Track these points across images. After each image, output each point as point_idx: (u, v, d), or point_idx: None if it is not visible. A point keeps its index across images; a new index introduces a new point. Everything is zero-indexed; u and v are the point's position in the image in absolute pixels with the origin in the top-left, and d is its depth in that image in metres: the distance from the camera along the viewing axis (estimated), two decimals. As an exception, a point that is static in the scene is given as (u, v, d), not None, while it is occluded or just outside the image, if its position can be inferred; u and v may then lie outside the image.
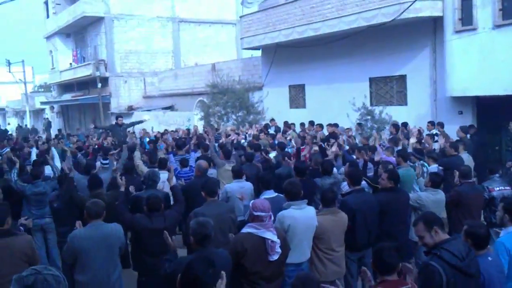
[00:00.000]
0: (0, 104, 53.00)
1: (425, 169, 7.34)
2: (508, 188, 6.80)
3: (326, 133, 12.63)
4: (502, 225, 4.40)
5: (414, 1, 12.50)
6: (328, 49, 16.15)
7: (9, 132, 28.53)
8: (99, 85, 27.81)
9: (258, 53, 20.89)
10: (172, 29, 31.03)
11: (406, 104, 14.51)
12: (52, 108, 38.65)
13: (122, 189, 5.94)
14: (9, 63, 39.22)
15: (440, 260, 3.46)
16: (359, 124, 13.39)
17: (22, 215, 6.64)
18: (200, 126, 19.11)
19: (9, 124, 43.68)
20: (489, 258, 3.87)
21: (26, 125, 40.04)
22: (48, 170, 8.17)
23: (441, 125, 11.42)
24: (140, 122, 15.30)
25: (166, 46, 31.01)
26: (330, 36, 15.45)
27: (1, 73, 48.66)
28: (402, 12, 12.76)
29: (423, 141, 9.87)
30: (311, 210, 5.08)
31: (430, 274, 3.41)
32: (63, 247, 4.98)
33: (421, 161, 7.74)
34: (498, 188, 6.70)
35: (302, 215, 4.92)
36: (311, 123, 14.18)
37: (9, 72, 39.25)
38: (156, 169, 7.55)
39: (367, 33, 14.29)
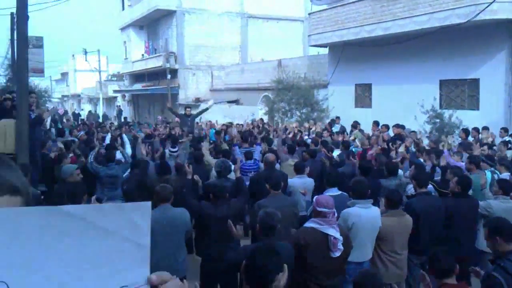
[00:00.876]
0: (76, 90, 55.88)
1: (496, 176, 7.08)
2: None
3: (392, 134, 12.42)
4: None
5: (491, 3, 12.01)
6: (397, 49, 15.83)
7: (81, 117, 30.20)
8: (169, 76, 28.66)
9: (325, 50, 20.78)
10: (240, 24, 31.46)
11: (478, 109, 13.98)
12: (123, 96, 40.29)
13: (189, 177, 6.16)
14: (85, 52, 41.28)
15: (503, 272, 3.39)
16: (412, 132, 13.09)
17: (95, 196, 7.06)
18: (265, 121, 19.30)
19: (82, 110, 45.97)
20: None
21: (95, 111, 42.07)
22: (118, 155, 8.60)
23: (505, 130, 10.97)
24: (206, 109, 15.64)
25: (234, 41, 31.49)
26: (400, 36, 15.13)
27: (79, 62, 51.34)
28: (478, 14, 12.29)
29: (494, 147, 9.51)
30: (376, 211, 5.06)
31: (492, 285, 3.36)
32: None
33: (492, 168, 7.48)
34: None
35: (367, 215, 4.92)
36: (376, 123, 13.99)
37: (86, 60, 41.32)
38: (227, 160, 7.78)
39: (439, 34, 13.88)
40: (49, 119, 13.62)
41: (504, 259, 3.51)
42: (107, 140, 10.04)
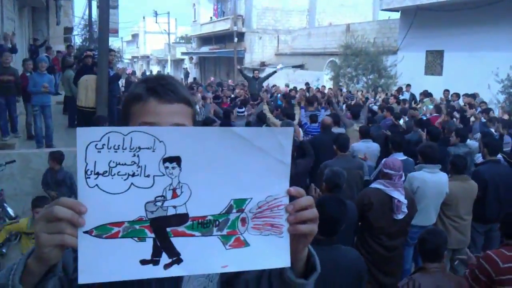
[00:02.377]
0: (146, 52, 57.45)
1: None
2: None
3: (462, 104, 12.02)
4: None
5: None
6: (473, 14, 15.05)
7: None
8: (235, 39, 28.84)
9: (396, 15, 20.12)
10: (309, -13, 30.92)
11: (559, 79, 13.21)
12: (191, 59, 41.07)
13: None
14: (156, 14, 42.19)
15: None
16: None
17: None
18: (329, 86, 19.15)
19: (151, 71, 47.37)
20: None
21: (163, 72, 43.17)
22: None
23: None
24: (274, 72, 15.81)
25: (302, 4, 31.04)
26: (476, 1, 14.36)
27: (149, 24, 52.54)
28: None
29: None
30: (443, 176, 5.01)
31: None
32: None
33: None
34: None
35: (433, 180, 4.91)
36: (447, 91, 13.55)
37: (156, 22, 42.26)
38: (290, 121, 7.92)
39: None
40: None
41: None
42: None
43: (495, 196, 5.27)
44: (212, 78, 24.46)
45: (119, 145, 0.92)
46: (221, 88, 17.84)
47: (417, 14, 17.77)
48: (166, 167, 0.95)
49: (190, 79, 29.88)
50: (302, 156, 6.00)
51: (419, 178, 4.90)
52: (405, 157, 5.88)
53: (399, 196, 4.30)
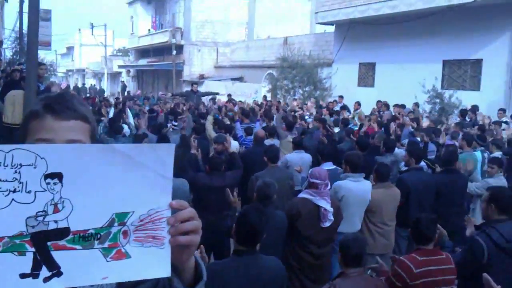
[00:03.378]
0: (81, 65, 55.91)
1: (485, 155, 7.27)
2: None
3: (393, 114, 12.56)
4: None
5: (498, -17, 12.00)
6: (403, 28, 15.82)
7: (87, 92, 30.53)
8: (174, 52, 28.69)
9: (331, 28, 20.75)
10: (248, 1, 31.29)
11: (479, 90, 14.05)
12: (128, 72, 40.39)
13: (193, 151, 6.36)
14: (92, 27, 41.26)
15: (486, 237, 3.61)
16: (415, 104, 13.29)
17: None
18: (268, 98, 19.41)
19: (84, 84, 46.26)
20: None
21: (99, 86, 42.32)
22: (125, 128, 8.83)
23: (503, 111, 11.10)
24: (216, 93, 16.08)
25: (240, 17, 31.37)
26: (407, 15, 15.12)
27: (85, 36, 51.25)
28: (484, -6, 12.28)
29: (491, 127, 9.65)
30: (367, 184, 5.24)
31: (473, 248, 3.60)
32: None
33: (482, 148, 7.65)
34: None
35: (358, 188, 5.12)
36: (379, 102, 14.17)
37: (92, 35, 41.32)
38: (224, 134, 7.97)
39: (445, 13, 13.86)
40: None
41: (489, 226, 3.72)
42: (111, 114, 10.26)
43: (417, 202, 5.56)
44: (138, 91, 24.18)
45: (0, 162, 0.95)
46: (161, 101, 17.70)
47: (350, 28, 18.43)
48: (48, 183, 0.97)
49: (132, 93, 29.46)
50: (231, 168, 6.07)
51: (344, 186, 5.10)
52: (334, 167, 6.08)
53: (325, 204, 4.45)
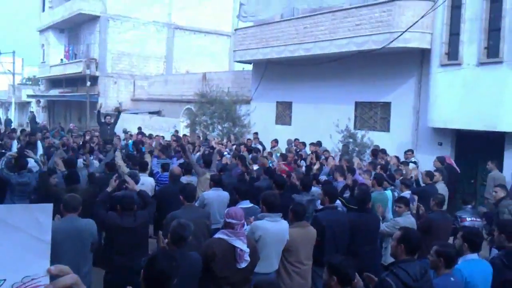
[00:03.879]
0: (-14, 93, 52.52)
1: (396, 194, 7.57)
2: (479, 220, 7.10)
3: (309, 152, 12.85)
4: (460, 254, 4.60)
5: (404, 32, 12.86)
6: (317, 70, 16.44)
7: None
8: (88, 83, 27.78)
9: (250, 67, 21.15)
10: (166, 35, 31.26)
11: (388, 131, 14.81)
12: (38, 102, 38.43)
13: (110, 189, 6.02)
14: (-1, 53, 39.07)
15: (395, 277, 3.70)
16: (344, 145, 13.70)
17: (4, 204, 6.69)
18: (186, 133, 19.21)
19: None
20: (452, 279, 4.10)
21: (6, 116, 39.94)
22: (31, 163, 8.24)
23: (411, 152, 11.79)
24: (119, 113, 15.60)
25: (159, 51, 31.19)
26: (321, 58, 15.75)
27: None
28: (392, 41, 13.10)
29: (400, 167, 10.11)
30: (284, 224, 5.21)
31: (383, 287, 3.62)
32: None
33: (391, 187, 7.97)
34: (470, 219, 7.02)
35: (275, 228, 5.07)
36: (296, 140, 14.54)
37: (-1, 62, 39.07)
38: (137, 171, 7.68)
39: (357, 58, 14.61)
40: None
41: (397, 266, 3.81)
42: (14, 147, 9.55)
43: (332, 241, 5.59)
44: (43, 122, 23.13)
45: None
46: (71, 134, 16.88)
47: (268, 67, 18.89)
48: None
49: (42, 124, 27.94)
50: (143, 208, 5.81)
51: (261, 226, 5.02)
52: (251, 205, 6.00)
53: (241, 245, 4.33)
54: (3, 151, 8.83)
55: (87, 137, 14.83)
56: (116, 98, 29.48)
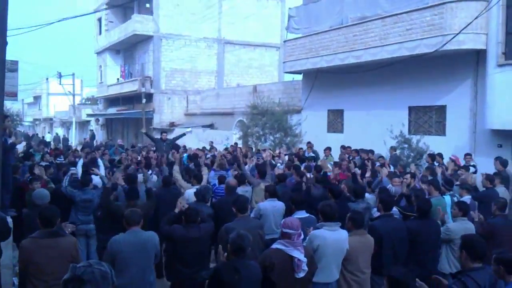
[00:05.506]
0: (49, 114, 55.26)
1: (455, 199, 7.36)
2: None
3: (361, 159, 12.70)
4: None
5: (458, 34, 12.56)
6: (368, 76, 16.29)
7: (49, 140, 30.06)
8: (144, 100, 28.71)
9: (299, 77, 21.21)
10: (217, 50, 31.87)
11: (444, 135, 14.43)
12: (97, 120, 40.07)
13: (176, 211, 6.21)
14: (60, 76, 41.09)
15: (462, 286, 3.61)
16: (392, 148, 13.48)
17: (69, 220, 7.05)
18: (239, 145, 19.46)
19: (48, 132, 45.73)
20: None
21: (67, 135, 41.84)
22: (96, 179, 8.63)
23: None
24: (183, 135, 15.82)
25: (210, 66, 31.84)
26: (372, 64, 15.61)
27: (52, 85, 50.88)
28: (445, 44, 12.82)
29: (459, 172, 9.82)
30: (343, 233, 5.18)
31: None
32: (103, 253, 5.30)
33: (451, 192, 7.76)
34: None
35: (333, 237, 5.06)
36: (343, 147, 14.44)
37: (60, 84, 41.06)
38: (209, 186, 7.92)
39: (409, 62, 14.38)
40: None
41: (464, 274, 3.73)
42: (79, 165, 10.02)
43: (391, 249, 5.53)
44: (119, 141, 23.98)
45: None
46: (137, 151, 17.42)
47: (318, 76, 18.88)
48: None
49: (98, 141, 29.15)
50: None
51: (319, 236, 5.04)
52: (307, 215, 6.03)
53: (299, 255, 4.38)
54: (71, 168, 9.29)
55: (144, 153, 15.31)
56: (170, 114, 30.31)
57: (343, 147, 14.91)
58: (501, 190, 8.30)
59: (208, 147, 17.43)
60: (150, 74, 30.68)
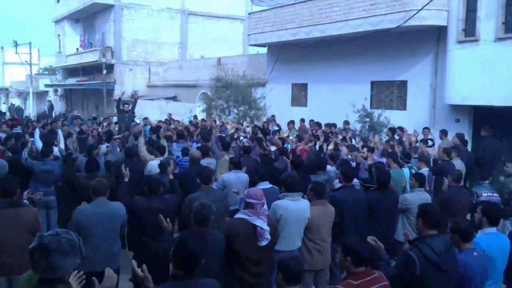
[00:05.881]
0: (5, 84, 53.20)
1: (413, 171, 7.61)
2: (496, 195, 7.10)
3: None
4: (480, 227, 4.66)
5: (420, 10, 12.73)
6: (333, 51, 16.39)
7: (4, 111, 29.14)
8: (104, 71, 28.07)
9: (264, 50, 21.12)
10: (180, 21, 31.29)
11: (405, 109, 14.76)
12: (55, 91, 38.90)
13: (126, 179, 6.16)
14: (16, 44, 39.54)
15: (418, 252, 3.77)
16: (345, 122, 13.72)
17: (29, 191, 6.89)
18: (202, 118, 19.34)
19: (4, 103, 44.23)
20: (475, 253, 4.15)
21: (24, 105, 40.56)
22: (56, 150, 8.44)
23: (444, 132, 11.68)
24: (135, 100, 15.74)
25: (173, 38, 31.27)
26: (336, 38, 15.68)
27: (8, 54, 48.91)
28: (408, 20, 12.99)
29: (417, 145, 10.10)
30: (305, 203, 5.31)
31: (406, 262, 3.75)
32: (66, 224, 5.22)
33: (409, 164, 8.00)
34: (486, 194, 7.03)
35: (296, 207, 5.17)
36: (311, 121, 14.54)
37: (16, 53, 39.53)
38: (174, 158, 7.86)
39: (372, 37, 14.52)
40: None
41: (421, 241, 3.89)
42: (36, 135, 9.74)
43: (351, 219, 5.69)
44: (75, 112, 23.46)
45: None
46: (97, 122, 17.08)
47: (282, 50, 18.85)
48: None
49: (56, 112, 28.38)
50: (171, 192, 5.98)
51: (283, 206, 5.13)
52: (270, 186, 6.11)
53: (261, 223, 4.45)
54: (31, 139, 9.02)
55: (105, 124, 15.05)
56: (131, 85, 29.72)
57: (302, 120, 15.05)
58: (457, 163, 8.60)
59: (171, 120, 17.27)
60: (111, 44, 29.89)
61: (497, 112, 11.79)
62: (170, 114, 19.29)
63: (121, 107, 15.13)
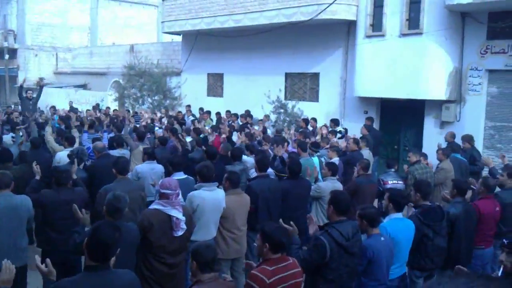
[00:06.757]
0: None
1: (322, 160, 7.93)
2: (400, 182, 7.60)
3: (241, 123, 12.99)
4: (387, 213, 4.96)
5: (331, 4, 13.16)
6: (248, 41, 16.49)
7: None
8: (7, 56, 26.27)
9: (179, 38, 20.78)
10: (90, 5, 29.92)
11: (317, 101, 15.22)
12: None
13: (37, 177, 5.86)
14: None
15: (328, 236, 4.00)
16: (266, 116, 13.97)
17: None
18: (114, 107, 18.75)
19: None
20: (382, 238, 4.42)
21: None
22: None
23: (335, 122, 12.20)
24: (41, 87, 15.01)
25: (82, 22, 29.90)
26: (251, 29, 15.79)
27: None
28: (319, 13, 13.36)
29: (328, 136, 10.50)
30: (220, 192, 5.38)
31: (317, 246, 3.97)
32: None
33: (318, 153, 8.31)
34: (391, 182, 7.49)
35: (211, 197, 5.22)
36: (228, 112, 14.59)
37: None
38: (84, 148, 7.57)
39: (286, 29, 14.79)
40: None
41: (330, 226, 4.11)
42: None
43: (265, 207, 5.82)
44: None
45: None
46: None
47: (197, 39, 18.65)
48: None
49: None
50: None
51: (199, 196, 5.15)
52: (185, 176, 6.08)
53: (177, 214, 4.43)
54: None
55: (10, 113, 14.13)
56: (37, 72, 28.04)
57: (221, 112, 15.09)
58: (365, 152, 9.06)
59: (85, 109, 16.57)
60: (14, 27, 27.98)
61: (402, 104, 12.52)
62: (71, 102, 18.50)
63: (24, 94, 14.27)
